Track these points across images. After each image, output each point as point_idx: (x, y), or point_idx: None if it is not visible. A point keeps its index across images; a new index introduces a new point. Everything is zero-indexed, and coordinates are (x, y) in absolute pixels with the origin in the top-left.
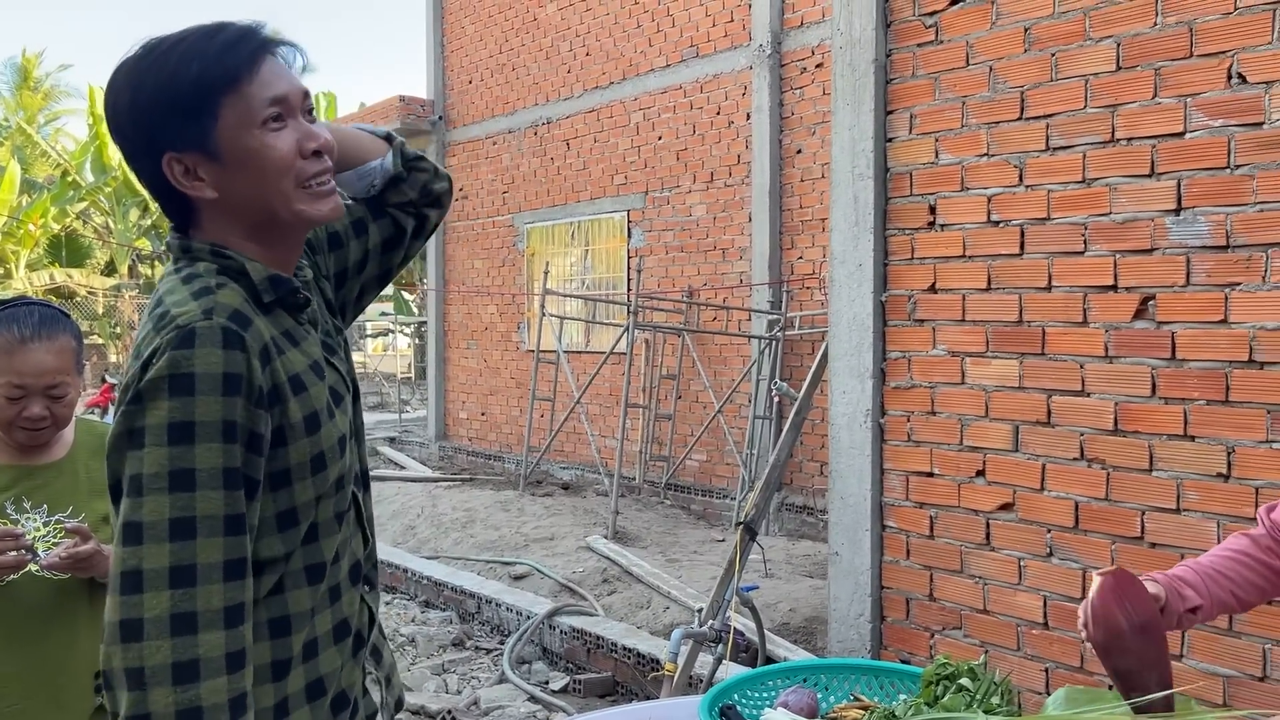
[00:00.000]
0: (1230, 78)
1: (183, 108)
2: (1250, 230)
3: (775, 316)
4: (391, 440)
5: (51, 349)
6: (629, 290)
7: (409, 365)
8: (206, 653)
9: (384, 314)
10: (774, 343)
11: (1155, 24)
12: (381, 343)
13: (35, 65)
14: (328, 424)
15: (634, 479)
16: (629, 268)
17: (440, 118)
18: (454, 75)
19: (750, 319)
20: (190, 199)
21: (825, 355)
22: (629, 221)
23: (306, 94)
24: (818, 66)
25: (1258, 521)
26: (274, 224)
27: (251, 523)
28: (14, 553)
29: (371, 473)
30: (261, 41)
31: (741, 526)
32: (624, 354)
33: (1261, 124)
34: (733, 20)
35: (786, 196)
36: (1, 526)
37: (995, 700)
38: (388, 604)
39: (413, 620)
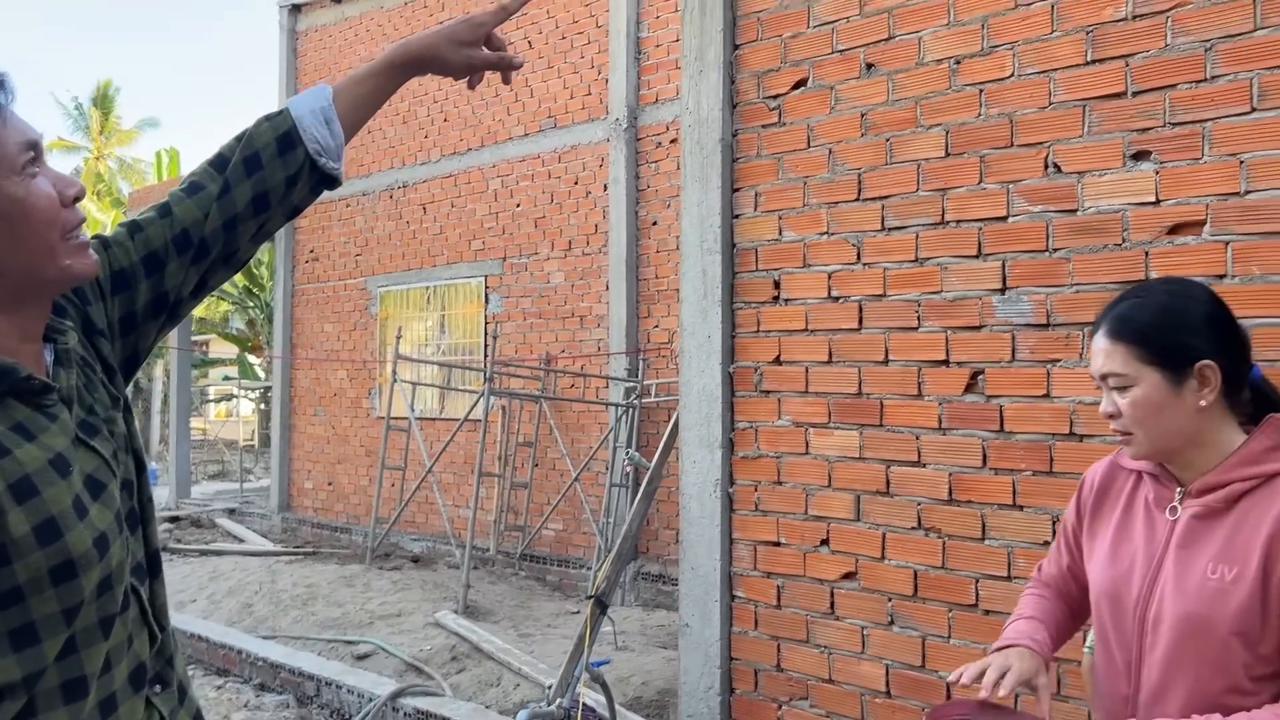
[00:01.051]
0: (1047, 167)
1: None
2: (1068, 310)
3: (632, 384)
4: (231, 512)
5: None
6: (485, 356)
7: (253, 432)
8: None
9: (227, 378)
10: (631, 410)
11: (979, 115)
12: (225, 408)
13: None
14: (76, 527)
15: (488, 550)
16: (486, 333)
17: None
18: None
19: (608, 386)
20: None
21: (676, 425)
22: (486, 287)
23: (40, 141)
24: (672, 141)
25: (1034, 581)
26: (28, 286)
27: None
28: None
29: (209, 546)
30: (9, 90)
31: (592, 600)
32: (480, 421)
33: (1076, 210)
34: (590, 94)
35: (643, 266)
36: None
37: None
38: (219, 688)
39: (245, 705)
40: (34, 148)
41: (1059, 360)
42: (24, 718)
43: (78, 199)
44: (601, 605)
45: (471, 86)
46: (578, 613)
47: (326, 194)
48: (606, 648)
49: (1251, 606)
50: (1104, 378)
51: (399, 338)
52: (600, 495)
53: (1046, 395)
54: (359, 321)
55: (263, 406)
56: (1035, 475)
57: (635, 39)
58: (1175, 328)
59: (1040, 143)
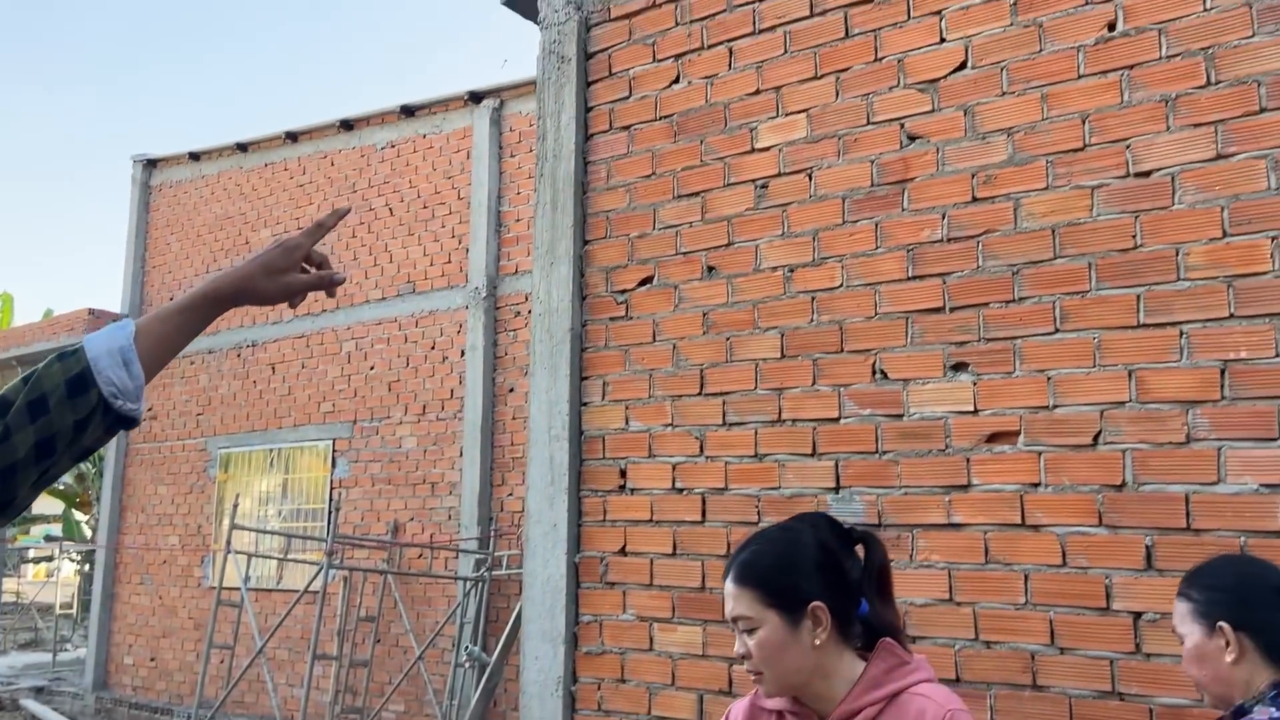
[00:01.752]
0: (875, 373)
1: None
2: (898, 511)
3: (483, 556)
4: (39, 691)
5: None
6: (330, 523)
7: (72, 596)
8: None
9: (49, 536)
10: (481, 584)
11: (812, 320)
12: (45, 568)
13: None
14: None
15: None
16: (331, 499)
17: None
18: (153, 290)
19: (458, 557)
20: None
21: (519, 617)
22: (334, 450)
23: None
24: (530, 311)
25: None
26: None
27: None
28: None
29: None
30: None
31: None
32: (319, 593)
33: (902, 416)
34: (450, 262)
35: (498, 433)
36: None
37: None
38: None
39: None
40: None
41: (891, 561)
42: None
43: None
44: None
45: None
46: None
47: None
48: None
49: None
50: (734, 620)
51: (235, 506)
52: (445, 675)
53: None
54: (196, 484)
55: (85, 569)
56: None
57: (496, 212)
58: (789, 572)
59: (868, 350)
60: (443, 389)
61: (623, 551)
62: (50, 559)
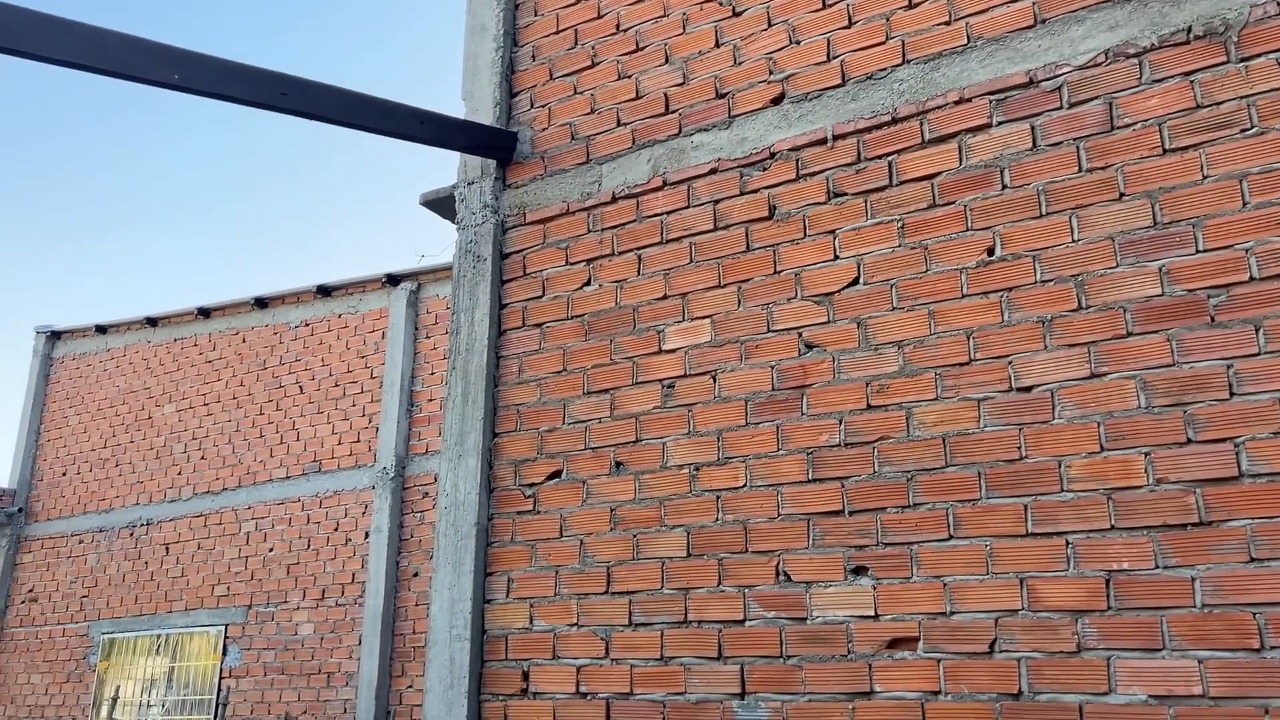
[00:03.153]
0: (779, 575)
1: None
2: (803, 718)
3: None
4: None
5: None
6: (216, 715)
7: None
8: None
9: None
10: None
11: (717, 519)
12: None
13: None
14: None
15: None
16: (220, 689)
17: (20, 510)
18: (46, 465)
19: None
20: None
21: None
22: (226, 637)
23: None
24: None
25: None
26: None
27: None
28: None
29: None
30: None
31: None
32: None
33: (805, 619)
34: (359, 440)
35: (400, 620)
36: None
37: None
38: None
39: None
40: None
41: None
42: None
43: None
44: None
45: None
46: None
47: (59, 528)
48: None
49: None
50: None
51: (115, 696)
52: None
53: None
54: (74, 672)
55: None
56: None
57: (409, 391)
58: None
59: (772, 550)
60: (344, 572)
61: None
62: None
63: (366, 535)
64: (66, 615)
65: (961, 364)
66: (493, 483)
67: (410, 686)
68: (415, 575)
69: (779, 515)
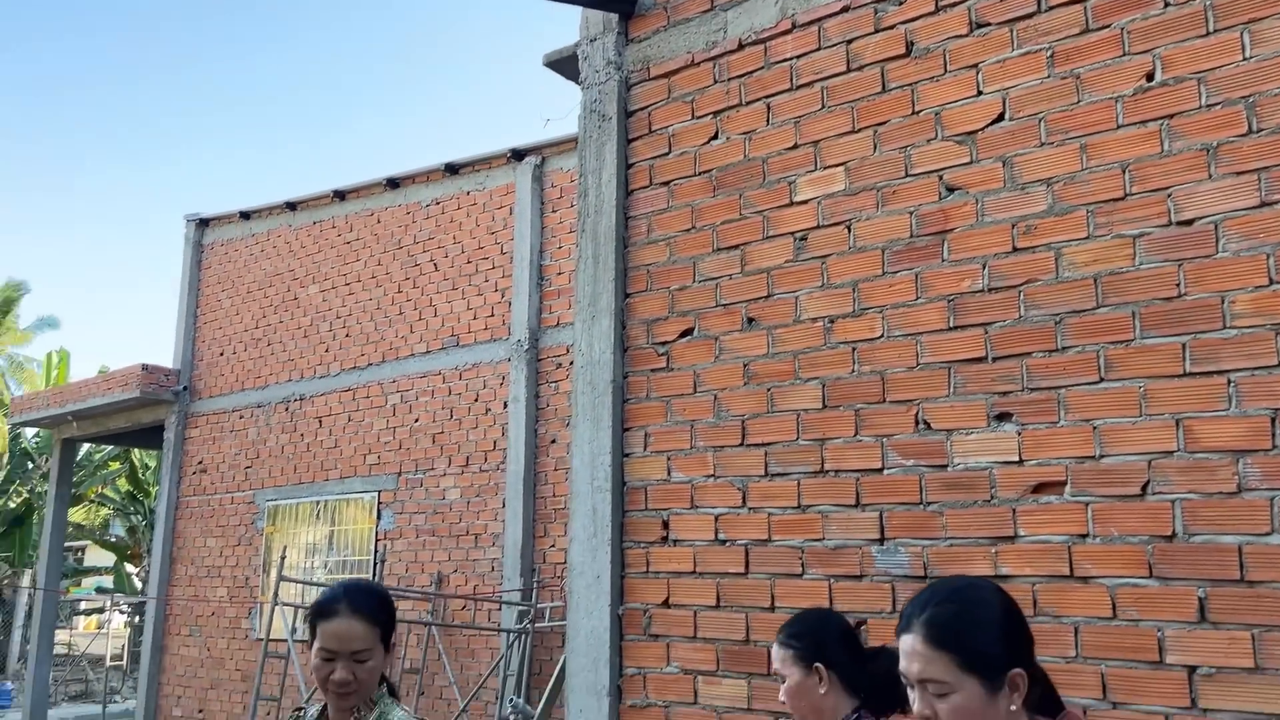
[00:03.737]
0: (918, 423)
1: None
2: (944, 563)
3: (526, 608)
4: None
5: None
6: (375, 574)
7: (122, 648)
8: None
9: (100, 588)
10: (524, 636)
11: (853, 371)
12: (96, 620)
13: None
14: None
15: None
16: (376, 551)
17: (185, 388)
18: (204, 346)
19: (500, 609)
20: None
21: (563, 670)
22: (379, 502)
23: None
24: (572, 363)
25: None
26: None
27: None
28: None
29: None
30: None
31: None
32: None
33: (946, 466)
34: (493, 315)
35: (540, 484)
36: None
37: None
38: None
39: None
40: None
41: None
42: None
43: None
44: None
45: None
46: None
47: (221, 404)
48: None
49: None
50: (921, 682)
51: (283, 558)
52: None
53: None
54: (244, 536)
55: (135, 621)
56: None
57: (538, 266)
58: (989, 637)
59: (910, 400)
60: (485, 441)
61: (666, 604)
62: (101, 611)
63: (505, 405)
64: (233, 484)
65: (1116, 199)
66: (626, 342)
67: (552, 546)
68: (553, 442)
69: (918, 365)
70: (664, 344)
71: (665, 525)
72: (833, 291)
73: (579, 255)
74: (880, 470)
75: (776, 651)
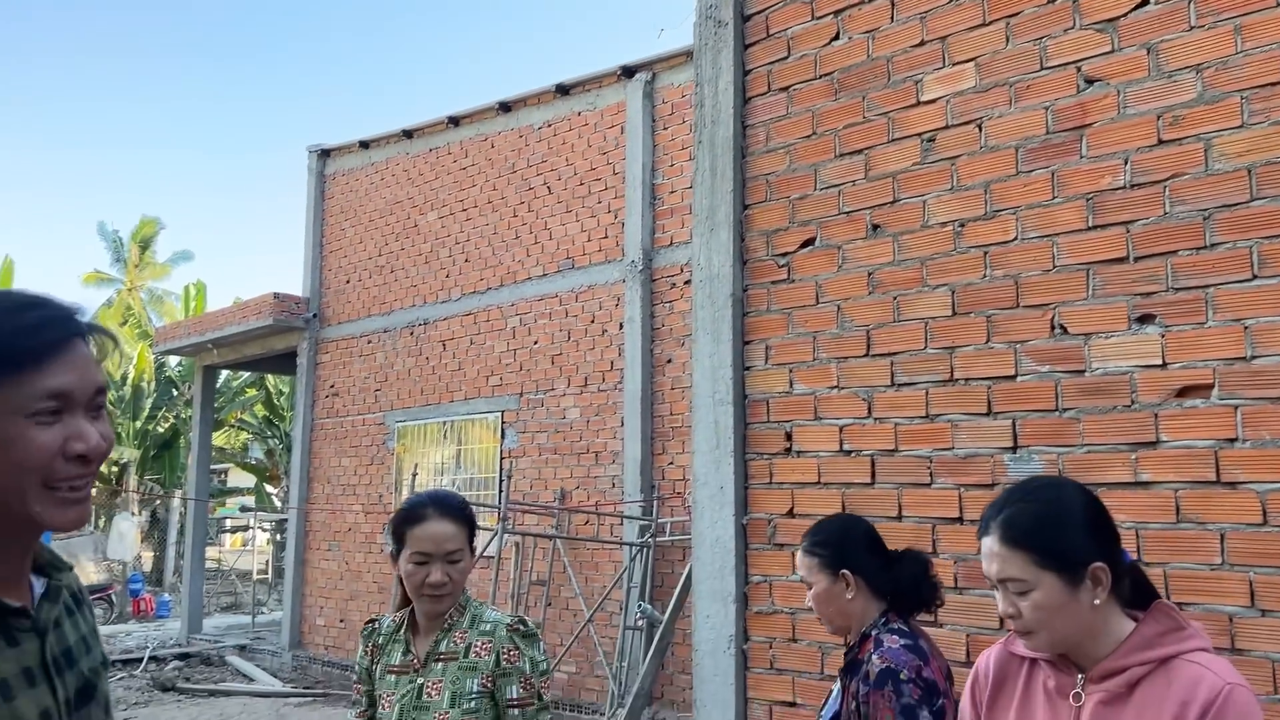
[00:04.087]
0: (1053, 328)
1: None
2: (1080, 470)
3: (646, 522)
4: (242, 648)
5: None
6: (501, 491)
7: (266, 563)
8: None
9: (244, 508)
10: (645, 549)
11: (984, 276)
12: (240, 537)
13: None
14: None
15: None
16: (501, 468)
17: (314, 315)
18: (331, 274)
19: (622, 524)
20: None
21: (689, 577)
22: (503, 422)
23: (100, 389)
24: (685, 283)
25: None
26: (3, 519)
27: None
28: None
29: (217, 686)
30: (67, 332)
31: None
32: (493, 558)
33: (1084, 371)
34: (607, 236)
35: (657, 403)
36: None
37: None
38: None
39: None
40: (60, 396)
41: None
42: None
43: (83, 457)
44: None
45: None
46: None
47: (349, 330)
48: None
49: None
50: (1002, 582)
51: (414, 475)
52: (614, 637)
53: None
54: (376, 456)
55: (277, 538)
56: None
57: (650, 185)
58: (1067, 533)
59: (1046, 304)
60: (603, 361)
61: (790, 513)
62: (245, 528)
63: (620, 326)
64: (364, 407)
65: (1273, 83)
66: (745, 254)
67: (670, 463)
68: (668, 362)
69: (1054, 267)
70: (784, 255)
71: (788, 437)
72: (963, 194)
73: (695, 167)
74: (1013, 377)
75: (802, 559)
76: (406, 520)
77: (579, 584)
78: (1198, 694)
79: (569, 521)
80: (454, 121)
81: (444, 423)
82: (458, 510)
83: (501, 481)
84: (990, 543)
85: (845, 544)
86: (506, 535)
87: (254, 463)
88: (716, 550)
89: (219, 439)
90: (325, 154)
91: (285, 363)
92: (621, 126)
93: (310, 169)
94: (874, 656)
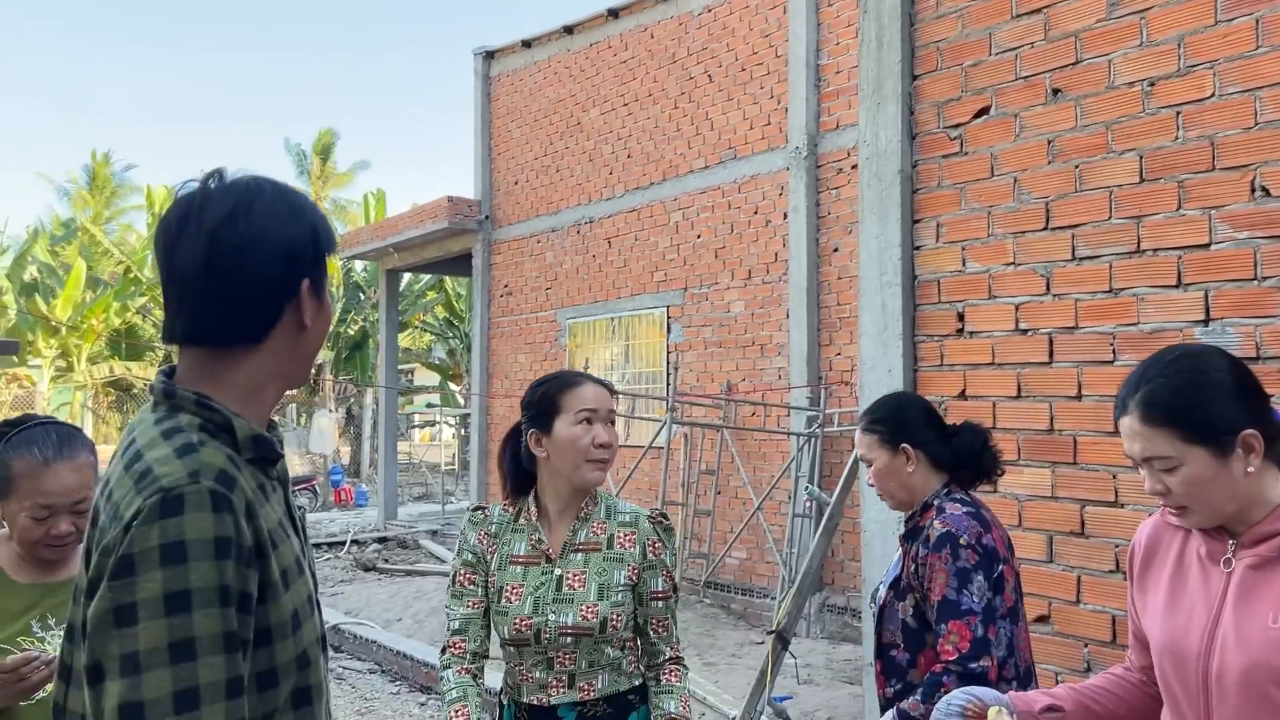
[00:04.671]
0: (1254, 190)
1: (327, 251)
2: (1278, 342)
3: (814, 413)
4: (434, 533)
5: (74, 467)
6: (668, 384)
7: (453, 456)
8: None
9: (430, 404)
10: (813, 439)
11: (1177, 138)
12: (429, 432)
13: (104, 167)
14: (297, 580)
15: None
16: (668, 362)
17: (486, 217)
18: (500, 176)
19: (789, 415)
20: (277, 328)
21: (857, 461)
22: (668, 317)
23: None
24: (853, 167)
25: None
26: (287, 386)
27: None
28: (44, 669)
29: (413, 566)
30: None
31: (774, 635)
32: (663, 449)
33: None
34: (769, 124)
35: (824, 294)
36: (29, 650)
37: None
38: (422, 704)
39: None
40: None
41: (1271, 396)
42: None
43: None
44: (783, 641)
45: None
46: (762, 643)
47: (519, 231)
48: (789, 682)
49: None
50: (1147, 460)
51: (585, 369)
52: (783, 524)
53: None
54: (549, 352)
55: (462, 432)
56: None
57: (815, 66)
58: (1211, 403)
59: (1245, 165)
60: (767, 253)
61: (962, 395)
62: (432, 424)
63: (785, 216)
64: (536, 305)
65: None
66: (915, 128)
67: (838, 354)
68: (835, 251)
69: (1256, 124)
70: (956, 126)
71: (960, 318)
72: (1153, 50)
73: (861, 39)
74: (1207, 246)
75: (861, 437)
76: (563, 387)
77: (747, 473)
78: None
79: (736, 413)
80: (613, 14)
81: (611, 319)
82: (601, 379)
83: (669, 375)
84: (1130, 422)
85: (903, 419)
86: (675, 426)
87: (437, 362)
88: None
89: (405, 340)
90: (489, 56)
91: (461, 264)
92: (784, 6)
93: (476, 72)
94: (935, 522)
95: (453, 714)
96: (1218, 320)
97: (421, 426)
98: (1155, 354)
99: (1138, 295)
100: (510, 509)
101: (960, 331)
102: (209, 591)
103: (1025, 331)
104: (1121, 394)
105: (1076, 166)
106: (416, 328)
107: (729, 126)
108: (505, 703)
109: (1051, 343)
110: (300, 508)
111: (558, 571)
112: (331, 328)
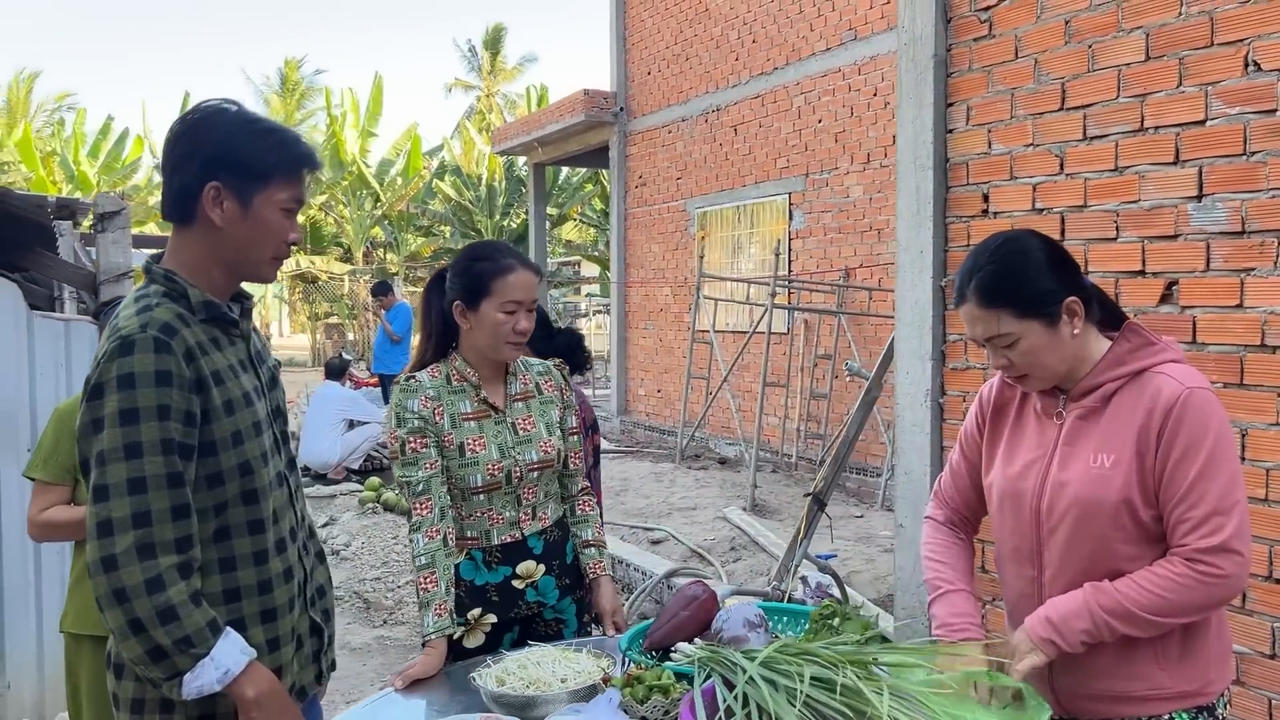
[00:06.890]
0: (1247, 65)
1: (254, 168)
2: (1264, 216)
3: None
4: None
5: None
6: (788, 271)
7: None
8: (166, 569)
9: (590, 294)
10: None
11: (1180, 14)
12: (596, 322)
13: (295, 70)
14: (244, 409)
15: (790, 456)
16: (789, 249)
17: (621, 109)
18: (634, 67)
19: None
20: (198, 216)
21: (893, 340)
22: (790, 204)
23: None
24: None
25: (936, 502)
26: (234, 271)
27: (189, 478)
28: None
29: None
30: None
31: (810, 497)
32: (784, 334)
33: (1275, 110)
34: (889, 2)
35: None
36: None
37: (852, 634)
38: None
39: None
40: (296, 202)
41: (1253, 269)
42: (221, 539)
43: (295, 242)
44: (819, 503)
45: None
46: (861, 517)
47: (652, 122)
48: (825, 542)
49: (1129, 484)
50: (989, 340)
51: (701, 258)
52: (894, 407)
53: (1239, 305)
54: (680, 241)
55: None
56: (1225, 388)
57: None
58: (1035, 280)
59: (1240, 40)
60: (885, 136)
61: None
62: (596, 313)
63: None
64: (667, 194)
65: None
66: (949, 12)
67: None
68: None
69: None
70: (985, 9)
71: (985, 199)
72: None
73: None
74: (1203, 122)
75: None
76: (495, 272)
77: (862, 358)
78: (1160, 399)
79: (853, 298)
80: None
81: (737, 206)
82: (532, 262)
83: (789, 262)
84: (970, 309)
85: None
86: (789, 312)
87: (597, 254)
88: (916, 311)
89: (570, 233)
90: None
91: (601, 157)
92: None
93: None
94: None
95: (422, 579)
96: (1209, 196)
97: (586, 315)
98: (979, 244)
99: (1140, 173)
100: (436, 375)
101: (985, 212)
102: (151, 410)
103: (1041, 211)
104: (958, 284)
105: (1090, 46)
106: (577, 220)
107: (849, 6)
108: (472, 553)
109: (1063, 221)
110: (276, 362)
111: (510, 419)
112: (495, 220)
